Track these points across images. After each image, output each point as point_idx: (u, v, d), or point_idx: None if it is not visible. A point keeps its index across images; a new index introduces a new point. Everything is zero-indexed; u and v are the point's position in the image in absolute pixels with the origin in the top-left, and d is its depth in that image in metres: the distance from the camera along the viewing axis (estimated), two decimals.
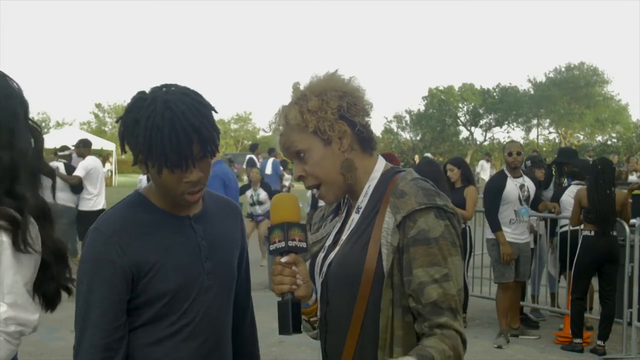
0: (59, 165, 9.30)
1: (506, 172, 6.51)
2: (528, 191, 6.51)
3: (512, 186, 6.42)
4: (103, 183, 9.70)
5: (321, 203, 8.94)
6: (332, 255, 1.72)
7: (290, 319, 1.61)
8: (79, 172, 9.38)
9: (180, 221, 1.76)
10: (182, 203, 1.73)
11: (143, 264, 1.68)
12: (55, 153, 10.04)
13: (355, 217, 1.72)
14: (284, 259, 1.63)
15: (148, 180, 1.85)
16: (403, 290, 1.61)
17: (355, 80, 1.73)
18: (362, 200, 1.72)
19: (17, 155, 1.90)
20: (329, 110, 1.65)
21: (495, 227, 6.34)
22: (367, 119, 1.72)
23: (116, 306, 1.66)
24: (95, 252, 1.69)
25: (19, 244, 1.81)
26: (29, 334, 1.90)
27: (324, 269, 1.73)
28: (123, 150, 1.71)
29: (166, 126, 1.59)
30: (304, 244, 1.65)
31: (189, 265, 1.73)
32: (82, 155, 10.13)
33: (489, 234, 6.48)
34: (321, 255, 1.77)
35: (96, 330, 1.64)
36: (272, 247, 1.64)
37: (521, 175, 6.56)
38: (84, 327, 1.66)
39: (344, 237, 1.73)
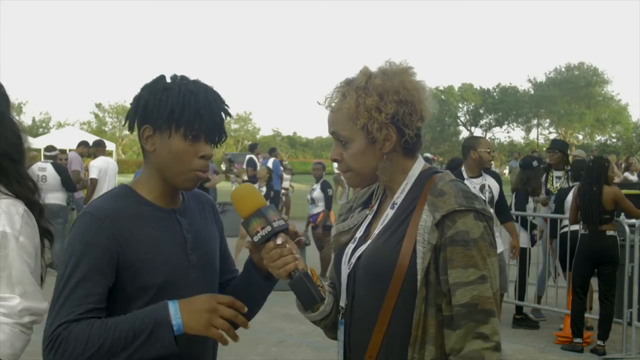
0: (47, 166, 9.12)
1: (463, 172, 5.85)
2: (491, 192, 5.92)
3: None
4: (112, 184, 9.54)
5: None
6: (362, 247, 1.73)
7: (312, 290, 1.62)
8: (92, 173, 9.36)
9: (167, 214, 1.77)
10: (184, 183, 1.74)
11: (131, 254, 1.68)
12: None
13: (390, 213, 1.73)
14: (279, 240, 1.62)
15: None
16: (438, 288, 1.61)
17: (424, 84, 1.71)
18: (399, 197, 1.73)
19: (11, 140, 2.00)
20: (383, 113, 1.64)
21: None
22: (419, 124, 1.71)
23: (96, 289, 1.63)
24: (87, 234, 1.66)
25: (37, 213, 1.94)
26: (40, 322, 1.91)
27: (353, 260, 1.73)
28: (131, 128, 1.76)
29: (201, 93, 1.70)
30: (282, 222, 1.65)
31: (176, 258, 1.74)
32: (95, 155, 10.14)
33: None
34: (351, 246, 1.77)
35: (65, 304, 1.61)
36: (257, 238, 1.62)
37: (481, 175, 5.91)
38: (57, 302, 1.63)
39: (376, 231, 1.73)
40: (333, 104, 1.71)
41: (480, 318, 1.57)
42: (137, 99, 1.74)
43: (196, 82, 1.75)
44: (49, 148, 9.74)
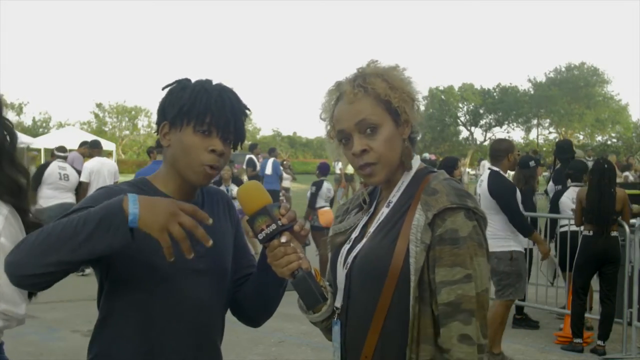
0: (67, 165, 9.13)
1: (502, 173, 5.82)
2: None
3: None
4: (106, 184, 9.52)
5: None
6: (358, 247, 1.73)
7: (314, 289, 1.61)
8: (83, 176, 9.28)
9: None
10: (194, 177, 1.76)
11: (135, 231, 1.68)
12: (52, 154, 9.89)
13: (385, 211, 1.73)
14: (283, 239, 1.61)
15: None
16: (432, 288, 1.61)
17: (410, 80, 1.74)
18: (394, 195, 1.73)
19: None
20: (406, 95, 1.69)
21: (530, 229, 5.74)
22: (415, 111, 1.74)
23: None
24: (98, 195, 1.72)
25: (24, 210, 1.95)
26: (13, 327, 1.90)
27: (349, 260, 1.73)
28: (158, 127, 1.80)
29: (215, 92, 1.75)
30: (288, 220, 1.65)
31: (179, 246, 1.73)
32: (91, 156, 10.10)
33: (501, 247, 5.58)
34: (346, 246, 1.78)
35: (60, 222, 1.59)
36: (261, 236, 1.62)
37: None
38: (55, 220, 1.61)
39: (371, 230, 1.73)
40: (346, 98, 1.69)
41: (464, 318, 1.57)
42: (160, 100, 1.81)
43: (215, 84, 1.80)
44: (61, 149, 9.64)
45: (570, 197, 6.87)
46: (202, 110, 1.71)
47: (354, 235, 1.79)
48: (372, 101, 1.67)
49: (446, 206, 1.60)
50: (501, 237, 5.55)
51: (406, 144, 1.72)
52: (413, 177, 1.74)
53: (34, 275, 1.51)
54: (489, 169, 5.79)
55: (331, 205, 9.46)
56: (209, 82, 1.80)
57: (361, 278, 1.69)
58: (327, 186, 9.33)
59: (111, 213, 1.49)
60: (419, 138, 1.77)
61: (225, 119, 1.74)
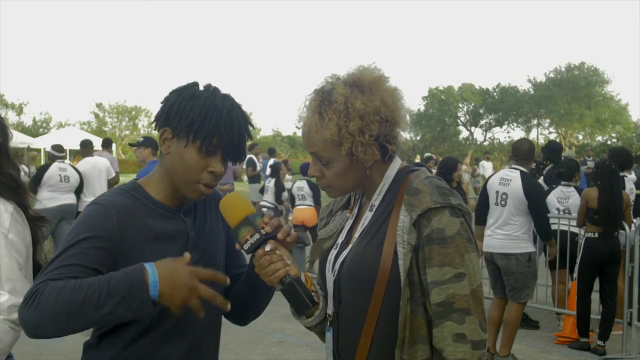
0: (67, 167, 8.93)
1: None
2: None
3: None
4: (101, 184, 9.26)
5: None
6: (345, 253, 1.72)
7: (303, 295, 1.61)
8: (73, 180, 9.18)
9: (172, 213, 1.79)
10: (189, 193, 1.75)
11: (132, 245, 1.69)
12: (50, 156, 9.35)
13: (368, 216, 1.72)
14: (268, 247, 1.61)
15: None
16: (423, 288, 1.61)
17: (398, 90, 1.69)
18: (376, 199, 1.72)
19: None
20: (366, 134, 1.62)
21: (551, 234, 5.74)
22: (398, 129, 1.69)
23: (91, 264, 1.62)
24: (94, 219, 1.68)
25: (25, 207, 1.96)
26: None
27: (337, 266, 1.72)
28: (157, 127, 1.78)
29: (225, 110, 1.71)
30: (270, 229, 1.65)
31: (174, 254, 1.72)
32: (82, 156, 10.04)
33: (522, 248, 5.60)
34: (333, 252, 1.77)
35: (55, 268, 1.60)
36: (246, 246, 1.62)
37: None
38: (48, 266, 1.61)
39: (356, 235, 1.72)
40: (308, 122, 1.68)
41: (457, 317, 1.57)
42: (166, 101, 1.77)
43: (224, 97, 1.75)
44: (58, 148, 9.21)
45: (555, 196, 6.87)
46: (211, 131, 1.68)
47: (340, 240, 1.78)
48: (325, 138, 1.65)
49: (430, 206, 1.59)
50: (523, 239, 5.59)
51: (368, 171, 1.69)
52: (394, 179, 1.72)
53: (53, 335, 1.57)
54: (515, 168, 5.71)
55: (317, 203, 9.48)
56: (218, 94, 1.76)
57: (350, 284, 1.68)
58: (289, 186, 9.55)
59: (134, 291, 1.52)
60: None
61: (231, 141, 1.72)
